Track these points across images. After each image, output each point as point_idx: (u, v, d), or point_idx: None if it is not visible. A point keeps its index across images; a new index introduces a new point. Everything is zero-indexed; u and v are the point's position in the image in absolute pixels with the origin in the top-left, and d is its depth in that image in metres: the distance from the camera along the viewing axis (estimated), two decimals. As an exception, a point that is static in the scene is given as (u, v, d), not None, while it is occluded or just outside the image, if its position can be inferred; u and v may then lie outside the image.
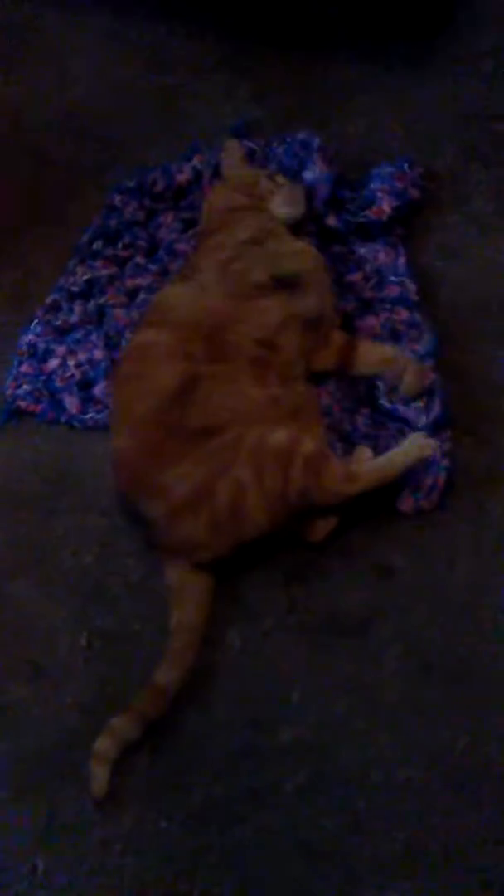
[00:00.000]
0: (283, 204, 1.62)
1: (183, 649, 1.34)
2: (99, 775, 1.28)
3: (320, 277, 1.53)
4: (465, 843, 1.26)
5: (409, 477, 1.46)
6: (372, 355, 1.55)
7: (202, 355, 1.43)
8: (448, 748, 1.31)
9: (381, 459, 1.42)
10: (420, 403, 1.50)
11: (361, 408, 1.54)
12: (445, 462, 1.47)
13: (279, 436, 1.37)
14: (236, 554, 1.40)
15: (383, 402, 1.53)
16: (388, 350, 1.56)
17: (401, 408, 1.51)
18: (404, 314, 1.62)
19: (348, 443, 1.50)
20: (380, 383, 1.54)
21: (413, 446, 1.42)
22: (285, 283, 1.49)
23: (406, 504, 1.45)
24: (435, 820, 1.27)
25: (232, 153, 1.69)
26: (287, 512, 1.37)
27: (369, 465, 1.42)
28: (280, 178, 1.65)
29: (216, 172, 1.73)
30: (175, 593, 1.38)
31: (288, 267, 1.50)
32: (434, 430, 1.48)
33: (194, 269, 1.54)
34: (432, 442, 1.43)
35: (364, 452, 1.47)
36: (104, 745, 1.29)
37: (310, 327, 1.50)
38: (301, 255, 1.53)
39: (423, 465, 1.44)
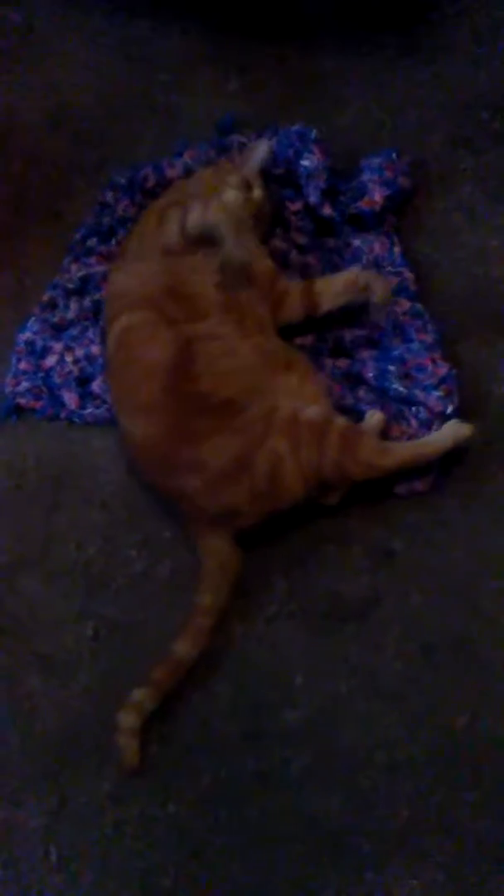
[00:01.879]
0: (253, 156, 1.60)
1: (205, 627, 1.37)
2: (130, 747, 1.31)
3: (237, 226, 1.48)
4: (467, 820, 1.29)
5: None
6: (332, 286, 1.55)
7: (181, 315, 1.44)
8: (449, 727, 1.34)
9: (419, 440, 1.45)
10: (441, 392, 1.52)
11: (361, 384, 1.56)
12: None
13: (312, 411, 1.41)
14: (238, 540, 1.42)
15: (397, 386, 1.54)
16: (344, 275, 1.57)
17: (419, 393, 1.53)
18: (406, 305, 1.63)
19: (354, 415, 1.51)
20: (392, 367, 1.56)
21: (450, 429, 1.45)
22: (202, 240, 1.48)
23: (401, 486, 1.48)
24: (437, 798, 1.30)
25: (260, 153, 1.64)
26: (321, 482, 1.41)
27: (405, 444, 1.45)
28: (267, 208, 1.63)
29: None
30: (205, 570, 1.40)
31: (195, 223, 1.48)
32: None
33: (122, 257, 1.57)
34: (468, 426, 1.46)
35: (374, 415, 1.49)
36: (129, 719, 1.32)
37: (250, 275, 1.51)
38: (209, 209, 1.49)
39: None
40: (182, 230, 1.50)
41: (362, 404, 1.53)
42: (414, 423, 1.51)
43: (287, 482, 1.39)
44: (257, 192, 1.58)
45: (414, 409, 1.52)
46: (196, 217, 1.49)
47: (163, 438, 1.41)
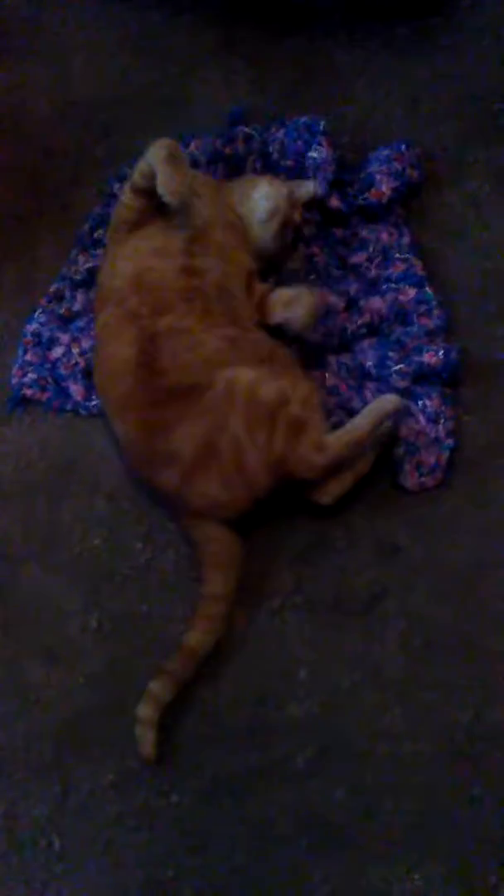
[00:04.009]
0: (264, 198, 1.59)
1: (214, 615, 1.37)
2: (147, 738, 1.31)
3: (173, 161, 1.43)
4: (470, 814, 1.28)
5: (410, 454, 1.47)
6: (276, 301, 1.54)
7: (144, 310, 1.43)
8: (453, 722, 1.33)
9: (347, 425, 1.41)
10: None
11: (367, 384, 1.56)
12: (449, 441, 1.49)
13: (270, 389, 1.36)
14: (242, 533, 1.42)
15: (396, 373, 1.53)
16: (287, 292, 1.54)
17: (419, 388, 1.53)
18: (411, 293, 1.62)
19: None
20: (391, 353, 1.55)
21: (377, 404, 1.42)
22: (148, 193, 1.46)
23: (410, 481, 1.47)
24: (442, 791, 1.30)
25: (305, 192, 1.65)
26: (279, 475, 1.37)
27: (337, 432, 1.40)
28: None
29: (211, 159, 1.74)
30: (207, 559, 1.40)
31: (140, 167, 1.44)
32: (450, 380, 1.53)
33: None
34: (394, 397, 1.43)
35: (390, 400, 1.44)
36: (146, 710, 1.31)
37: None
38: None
39: (394, 421, 1.45)
40: (130, 186, 1.48)
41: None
42: (421, 418, 1.50)
43: (251, 469, 1.35)
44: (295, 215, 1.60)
45: (420, 403, 1.51)
46: (140, 168, 1.45)
47: (139, 434, 1.41)
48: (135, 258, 1.48)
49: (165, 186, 1.42)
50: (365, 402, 1.52)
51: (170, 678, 1.33)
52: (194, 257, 1.48)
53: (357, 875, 1.26)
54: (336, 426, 1.44)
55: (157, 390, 1.39)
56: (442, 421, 1.50)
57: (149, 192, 1.47)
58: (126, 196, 1.52)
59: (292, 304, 1.52)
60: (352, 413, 1.49)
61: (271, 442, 1.36)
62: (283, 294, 1.55)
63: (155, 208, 1.49)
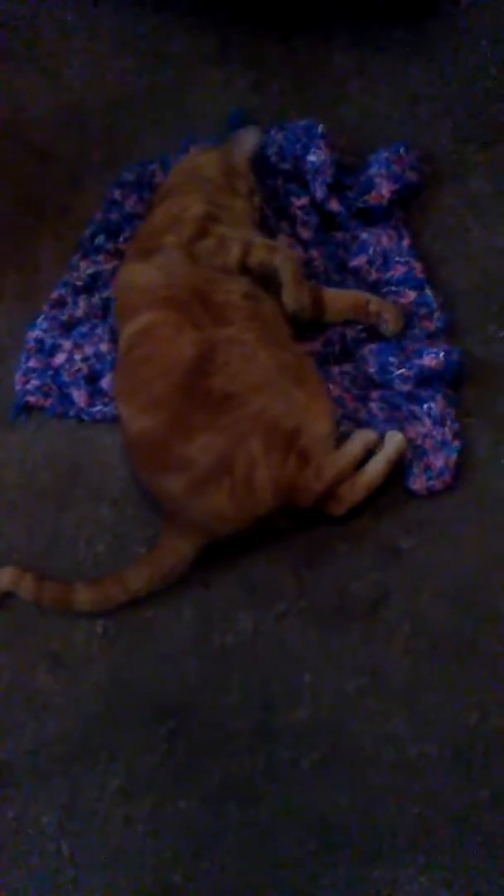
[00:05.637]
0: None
1: (113, 597, 1.41)
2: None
3: (296, 274, 1.55)
4: (476, 817, 1.29)
5: (418, 458, 1.48)
6: (338, 301, 1.60)
7: (208, 320, 1.45)
8: (459, 724, 1.34)
9: (336, 453, 1.44)
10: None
11: (372, 391, 1.56)
12: (456, 443, 1.50)
13: (291, 420, 1.40)
14: (246, 538, 1.42)
15: (399, 378, 1.55)
16: (350, 295, 1.60)
17: (422, 392, 1.54)
18: (412, 295, 1.63)
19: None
20: (392, 359, 1.56)
21: (359, 434, 1.47)
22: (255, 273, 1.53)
23: (418, 484, 1.48)
24: (447, 794, 1.30)
25: (249, 141, 1.70)
26: (282, 500, 1.40)
27: (329, 458, 1.43)
28: (257, 200, 1.68)
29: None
30: (151, 559, 1.43)
31: (263, 258, 1.53)
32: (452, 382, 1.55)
33: (154, 242, 1.56)
34: (370, 433, 1.48)
35: (395, 437, 1.48)
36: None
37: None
38: (274, 250, 1.55)
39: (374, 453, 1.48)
40: (242, 260, 1.52)
41: (377, 420, 1.52)
42: (428, 422, 1.51)
43: (258, 488, 1.38)
44: (241, 185, 1.62)
45: (426, 406, 1.52)
46: (261, 256, 1.52)
47: (159, 432, 1.41)
48: (199, 278, 1.50)
49: (295, 301, 1.54)
50: (370, 413, 1.54)
51: (36, 588, 1.42)
52: (256, 285, 1.53)
53: (363, 878, 1.27)
54: (345, 436, 1.48)
55: (198, 390, 1.40)
56: (448, 423, 1.50)
57: (250, 273, 1.53)
58: (230, 258, 1.52)
59: (383, 314, 1.58)
60: (360, 423, 1.51)
61: (284, 464, 1.38)
62: (344, 297, 1.61)
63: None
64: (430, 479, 1.48)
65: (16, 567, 1.45)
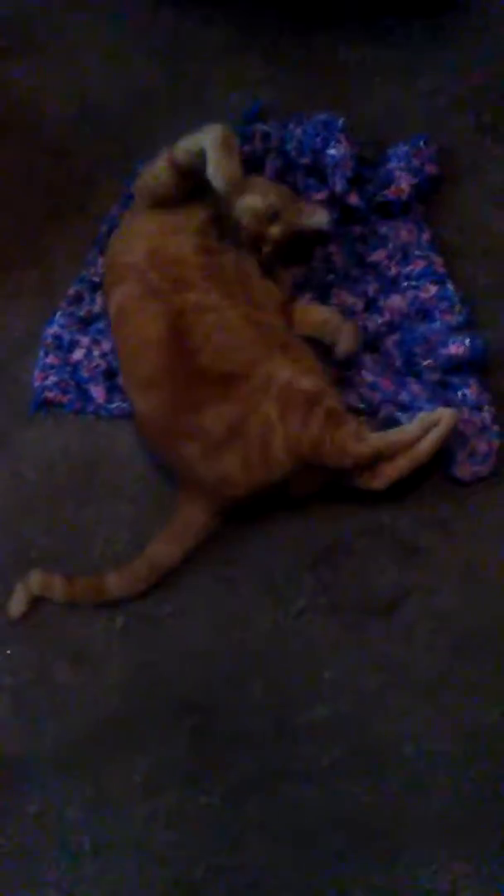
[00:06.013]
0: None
1: (142, 574, 1.42)
2: (20, 598, 1.44)
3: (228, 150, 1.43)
4: (500, 811, 1.29)
5: (461, 444, 1.47)
6: (307, 317, 1.56)
7: (166, 284, 1.44)
8: (480, 722, 1.34)
9: (394, 429, 1.41)
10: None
11: (407, 378, 1.55)
12: (496, 427, 1.49)
13: (308, 381, 1.39)
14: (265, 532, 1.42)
15: (426, 368, 1.53)
16: (321, 312, 1.56)
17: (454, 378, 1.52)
18: (433, 290, 1.61)
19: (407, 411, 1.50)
20: (417, 349, 1.55)
21: (424, 418, 1.41)
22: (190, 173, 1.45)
23: (463, 471, 1.47)
24: (468, 791, 1.30)
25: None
26: (302, 459, 1.38)
27: (381, 433, 1.40)
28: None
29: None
30: (171, 529, 1.44)
31: (186, 145, 1.44)
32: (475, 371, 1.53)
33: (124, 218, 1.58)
34: (452, 411, 1.41)
35: (444, 413, 1.41)
36: (35, 582, 1.44)
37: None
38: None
39: (450, 437, 1.42)
40: (170, 161, 1.46)
41: (420, 400, 1.50)
42: (464, 409, 1.49)
43: (274, 452, 1.37)
44: (275, 230, 1.55)
45: (459, 393, 1.51)
46: (185, 145, 1.44)
47: (164, 412, 1.41)
48: (149, 235, 1.49)
49: (220, 171, 1.39)
50: (411, 395, 1.51)
51: (68, 590, 1.42)
52: (208, 237, 1.50)
53: (386, 873, 1.27)
54: (388, 421, 1.47)
55: (191, 370, 1.39)
56: (485, 407, 1.50)
57: (186, 171, 1.46)
58: (160, 169, 1.50)
59: (334, 332, 1.53)
60: (402, 406, 1.50)
61: (306, 424, 1.36)
62: (313, 313, 1.56)
63: (184, 188, 1.48)
64: (475, 465, 1.47)
65: (43, 571, 1.45)
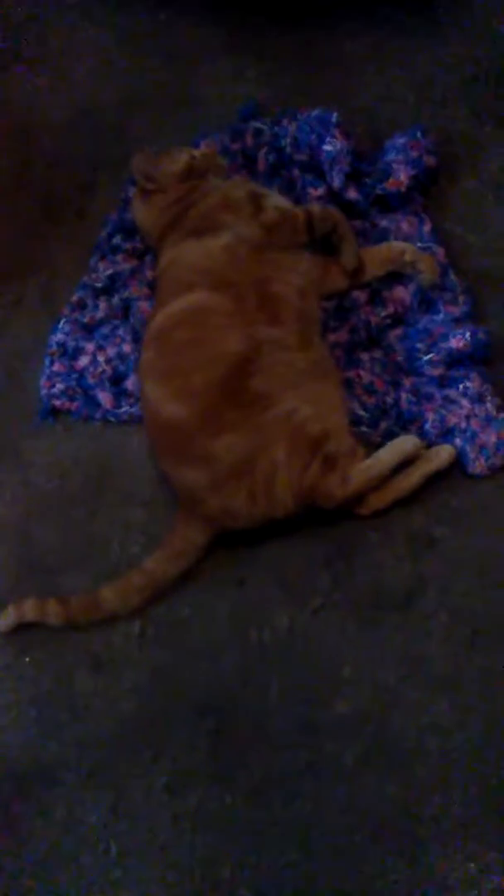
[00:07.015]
0: None
1: (137, 587, 1.43)
2: (10, 617, 1.45)
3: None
4: (523, 802, 1.29)
5: (470, 441, 1.47)
6: (375, 256, 1.60)
7: (260, 316, 1.45)
8: (500, 712, 1.33)
9: (370, 459, 1.43)
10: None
11: (404, 378, 1.55)
12: (502, 416, 1.49)
13: (317, 427, 1.40)
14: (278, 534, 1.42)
15: (427, 363, 1.54)
16: (396, 245, 1.61)
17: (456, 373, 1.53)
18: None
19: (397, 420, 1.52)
20: (419, 345, 1.55)
21: (398, 443, 1.45)
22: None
23: (477, 467, 1.47)
24: (491, 783, 1.30)
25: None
26: (302, 500, 1.40)
27: (360, 466, 1.42)
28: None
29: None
30: (170, 546, 1.45)
31: (323, 214, 1.55)
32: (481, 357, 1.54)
33: (209, 221, 1.53)
34: (414, 439, 1.45)
35: (443, 450, 1.46)
36: (28, 607, 1.44)
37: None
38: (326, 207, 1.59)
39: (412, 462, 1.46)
40: (308, 220, 1.54)
41: (408, 415, 1.51)
42: (466, 402, 1.49)
43: (278, 493, 1.39)
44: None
45: (461, 386, 1.51)
46: (320, 213, 1.55)
47: (189, 424, 1.40)
48: (259, 264, 1.49)
49: (354, 256, 1.58)
50: (398, 406, 1.53)
51: (63, 611, 1.42)
52: (310, 282, 1.54)
53: (412, 867, 1.27)
54: (388, 434, 1.49)
55: (238, 387, 1.40)
56: (488, 398, 1.49)
57: (314, 236, 1.56)
58: (300, 226, 1.54)
59: (415, 264, 1.59)
60: (387, 409, 1.52)
61: (305, 470, 1.39)
62: (379, 251, 1.61)
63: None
64: (488, 458, 1.46)
65: (36, 598, 1.44)
